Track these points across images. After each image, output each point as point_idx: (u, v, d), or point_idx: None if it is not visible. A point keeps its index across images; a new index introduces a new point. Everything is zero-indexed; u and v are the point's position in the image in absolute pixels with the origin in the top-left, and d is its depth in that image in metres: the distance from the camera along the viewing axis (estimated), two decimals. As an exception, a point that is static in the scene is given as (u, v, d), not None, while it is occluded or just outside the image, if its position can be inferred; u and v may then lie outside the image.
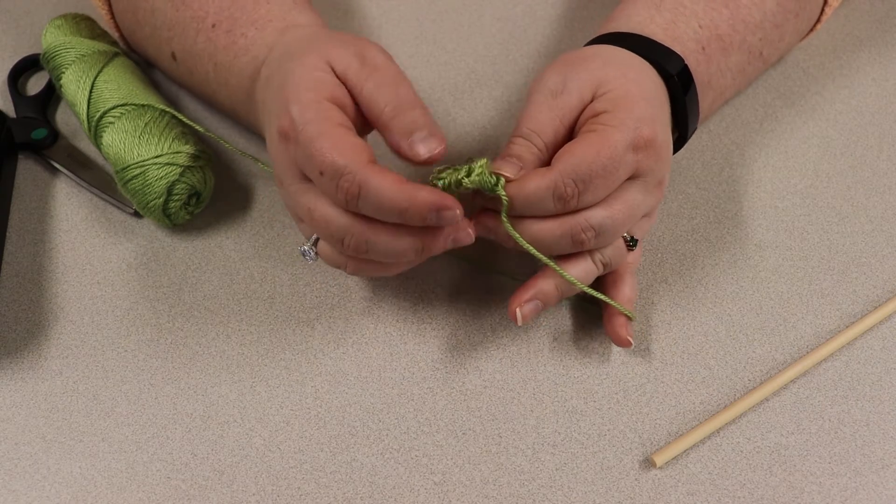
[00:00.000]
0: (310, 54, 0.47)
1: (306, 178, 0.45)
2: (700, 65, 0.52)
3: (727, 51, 0.53)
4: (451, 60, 0.64)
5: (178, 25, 0.55)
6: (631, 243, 0.49)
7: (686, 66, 0.50)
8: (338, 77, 0.46)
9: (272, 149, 0.47)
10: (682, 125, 0.52)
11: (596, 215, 0.45)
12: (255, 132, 0.58)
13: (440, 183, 0.46)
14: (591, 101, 0.47)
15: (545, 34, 0.66)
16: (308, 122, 0.44)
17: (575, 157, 0.44)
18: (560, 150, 0.45)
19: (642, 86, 0.47)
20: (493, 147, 0.60)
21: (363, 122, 0.47)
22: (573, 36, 0.66)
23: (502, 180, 0.45)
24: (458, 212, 0.43)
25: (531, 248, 0.46)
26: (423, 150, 0.44)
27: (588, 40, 0.53)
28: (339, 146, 0.43)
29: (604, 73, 0.47)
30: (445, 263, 0.55)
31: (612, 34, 0.52)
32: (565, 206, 0.45)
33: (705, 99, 0.53)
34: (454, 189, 0.45)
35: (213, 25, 0.53)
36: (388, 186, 0.42)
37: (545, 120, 0.47)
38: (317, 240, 0.48)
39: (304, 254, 0.48)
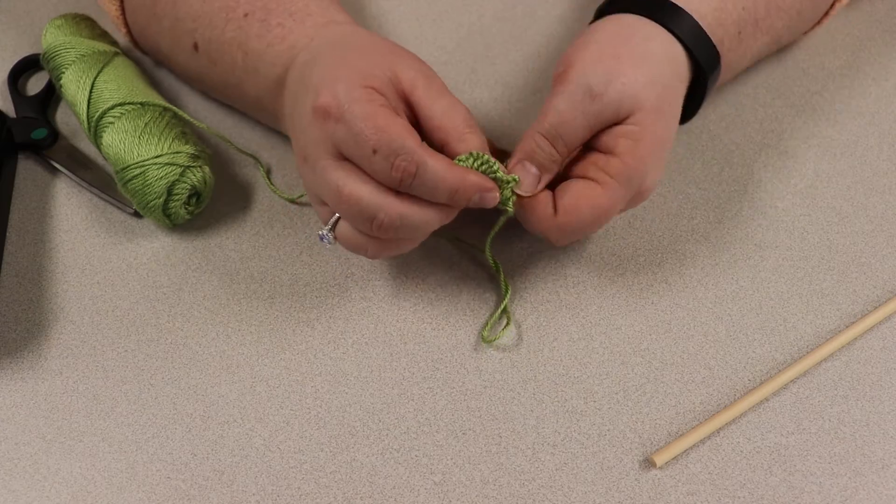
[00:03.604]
0: (375, 55, 0.47)
1: (340, 157, 0.45)
2: (731, 52, 0.51)
3: (756, 35, 0.53)
4: (451, 60, 0.64)
5: (205, 16, 0.55)
6: None
7: (719, 65, 0.50)
8: (402, 87, 0.46)
9: (301, 124, 0.47)
10: (690, 109, 0.52)
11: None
12: (273, 126, 0.58)
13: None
14: (624, 119, 0.46)
15: (545, 34, 0.66)
16: (355, 100, 0.44)
17: (579, 215, 0.46)
18: (565, 194, 0.47)
19: (669, 124, 0.47)
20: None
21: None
22: (573, 36, 0.66)
23: (514, 197, 0.47)
24: (497, 194, 0.46)
25: (494, 262, 0.53)
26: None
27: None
28: (393, 126, 0.44)
29: (646, 96, 0.46)
30: (447, 264, 0.55)
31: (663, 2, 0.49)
32: (552, 243, 0.49)
33: (720, 81, 0.53)
34: None
35: (246, 15, 0.53)
36: (443, 168, 0.44)
37: (578, 126, 0.46)
38: (335, 224, 0.47)
39: (321, 238, 0.48)
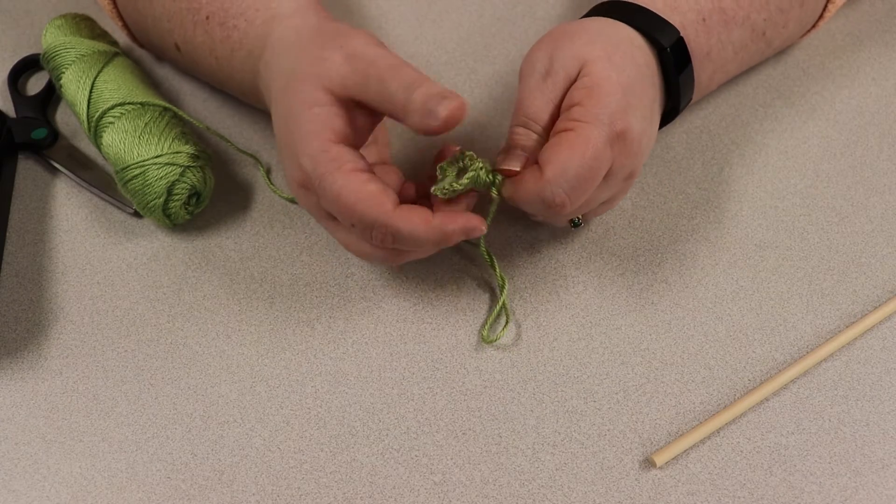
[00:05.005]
0: (303, 84, 0.46)
1: (333, 217, 0.47)
2: (699, 36, 0.52)
3: (729, 24, 0.53)
4: (451, 60, 0.64)
5: (176, 16, 0.55)
6: (574, 225, 0.53)
7: (681, 38, 0.50)
8: (337, 97, 0.46)
9: (292, 191, 0.49)
10: (675, 97, 0.52)
11: None
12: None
13: (440, 193, 0.47)
14: (577, 78, 0.48)
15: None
16: (323, 175, 0.45)
17: (563, 162, 0.45)
18: (544, 153, 0.46)
19: (624, 71, 0.47)
20: (494, 147, 0.60)
21: (372, 121, 0.48)
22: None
23: (498, 180, 0.47)
24: (483, 227, 0.46)
25: (488, 254, 0.53)
26: (443, 111, 0.43)
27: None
28: (363, 199, 0.44)
29: (589, 52, 0.47)
30: (447, 263, 0.55)
31: (610, 3, 0.52)
32: (558, 214, 0.46)
33: (704, 71, 0.53)
34: (454, 193, 0.47)
35: (207, 17, 0.53)
36: (420, 228, 0.44)
37: (540, 105, 0.48)
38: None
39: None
